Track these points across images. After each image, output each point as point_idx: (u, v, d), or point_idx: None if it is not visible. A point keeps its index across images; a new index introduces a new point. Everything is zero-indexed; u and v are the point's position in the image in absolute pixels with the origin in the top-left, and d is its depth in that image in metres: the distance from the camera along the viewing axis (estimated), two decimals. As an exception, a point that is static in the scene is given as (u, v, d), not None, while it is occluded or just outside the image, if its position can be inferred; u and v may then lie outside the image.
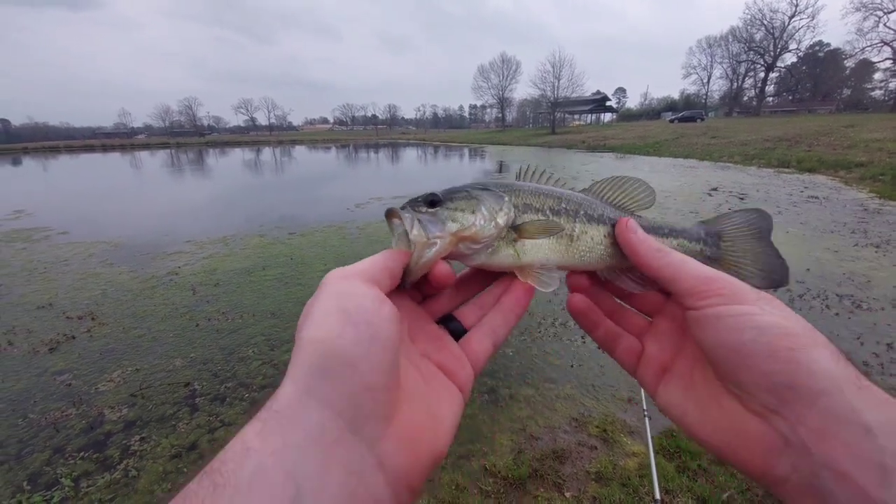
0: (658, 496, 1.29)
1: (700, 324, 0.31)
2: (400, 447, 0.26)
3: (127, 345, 3.89)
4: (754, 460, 0.28)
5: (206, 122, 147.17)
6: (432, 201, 0.35)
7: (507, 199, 0.37)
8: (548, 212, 0.38)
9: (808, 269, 5.44)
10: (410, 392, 0.30)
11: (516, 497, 2.25)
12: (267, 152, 42.45)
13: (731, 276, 0.32)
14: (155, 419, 2.90)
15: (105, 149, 56.49)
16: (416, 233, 0.33)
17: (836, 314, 4.25)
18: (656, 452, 1.95)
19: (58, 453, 2.61)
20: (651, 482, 1.60)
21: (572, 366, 3.44)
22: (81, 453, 2.61)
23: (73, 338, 4.03)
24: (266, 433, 0.22)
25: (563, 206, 0.39)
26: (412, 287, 0.35)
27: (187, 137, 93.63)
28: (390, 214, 0.35)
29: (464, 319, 0.38)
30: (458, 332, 0.38)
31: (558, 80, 60.35)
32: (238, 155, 38.86)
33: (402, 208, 0.35)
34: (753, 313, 0.29)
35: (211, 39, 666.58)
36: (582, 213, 0.39)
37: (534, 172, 0.42)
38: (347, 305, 0.28)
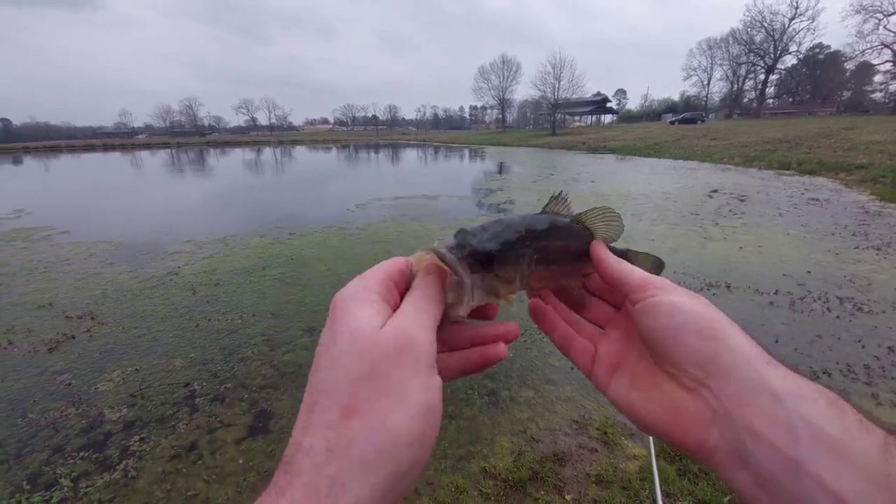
0: (660, 502, 1.28)
1: (642, 312, 0.36)
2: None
3: (127, 345, 3.88)
4: (690, 434, 0.31)
5: (206, 122, 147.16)
6: (486, 260, 0.35)
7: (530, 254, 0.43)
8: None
9: (809, 272, 5.44)
10: None
11: (516, 499, 2.25)
12: (267, 152, 42.47)
13: (666, 279, 0.38)
14: (154, 419, 2.89)
15: (106, 148, 56.52)
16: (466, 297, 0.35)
17: (837, 317, 4.24)
18: (657, 455, 1.94)
19: (57, 453, 2.61)
20: (653, 487, 1.60)
21: (573, 368, 3.42)
22: (81, 453, 2.60)
23: (73, 337, 4.03)
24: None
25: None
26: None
27: (188, 137, 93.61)
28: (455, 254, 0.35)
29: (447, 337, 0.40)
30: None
31: (559, 82, 60.35)
32: (238, 155, 38.88)
33: (451, 255, 0.34)
34: (684, 301, 0.34)
35: (211, 39, 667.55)
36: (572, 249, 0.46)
37: (563, 199, 0.48)
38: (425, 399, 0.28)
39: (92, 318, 4.42)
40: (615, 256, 0.43)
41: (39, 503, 2.25)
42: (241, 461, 2.52)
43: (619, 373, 0.40)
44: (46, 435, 2.76)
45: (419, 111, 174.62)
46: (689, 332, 0.32)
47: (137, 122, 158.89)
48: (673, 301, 0.35)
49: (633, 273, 0.39)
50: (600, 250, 0.44)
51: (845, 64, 62.66)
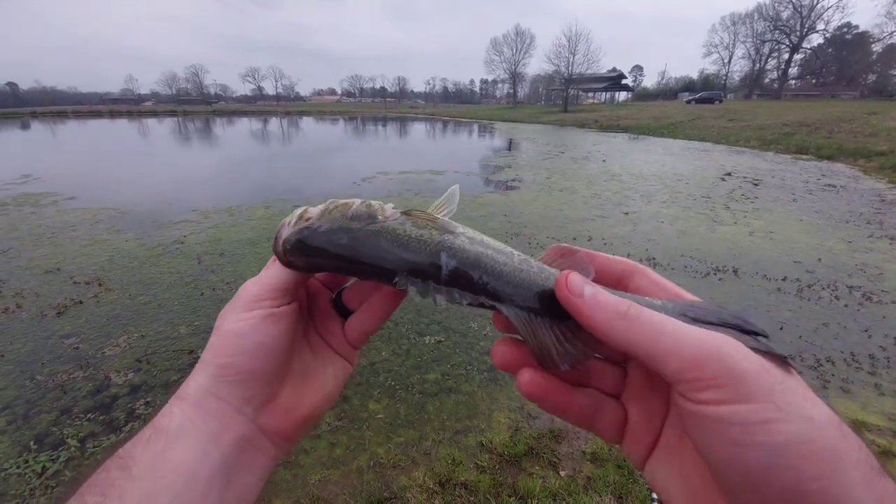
0: (655, 495, 1.27)
1: (695, 423, 0.24)
2: (275, 417, 0.34)
3: (133, 311, 3.93)
4: None
5: (212, 91, 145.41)
6: (296, 247, 0.37)
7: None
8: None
9: (820, 259, 5.34)
10: (296, 370, 0.37)
11: (511, 473, 2.28)
12: (274, 123, 42.00)
13: (730, 347, 0.24)
14: (160, 384, 2.95)
15: (112, 115, 56.16)
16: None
17: (845, 305, 4.18)
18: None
19: (64, 414, 2.68)
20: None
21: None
22: (88, 415, 2.67)
23: (81, 302, 4.08)
24: (184, 410, 0.31)
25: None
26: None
27: (194, 105, 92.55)
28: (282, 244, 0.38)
29: (348, 301, 0.41)
30: (344, 312, 0.41)
31: (573, 56, 58.63)
32: (245, 125, 38.50)
33: (281, 242, 0.38)
34: (768, 420, 0.22)
35: (216, 3, 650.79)
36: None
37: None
38: (241, 328, 0.34)
39: (99, 284, 4.47)
40: (614, 302, 0.27)
41: (46, 462, 2.33)
42: (242, 427, 2.57)
43: (657, 452, 0.31)
44: (54, 397, 2.83)
45: (428, 84, 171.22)
46: (776, 486, 0.21)
47: (143, 90, 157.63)
48: (750, 420, 0.22)
49: (663, 343, 0.25)
50: (571, 298, 0.29)
51: (872, 46, 60.10)
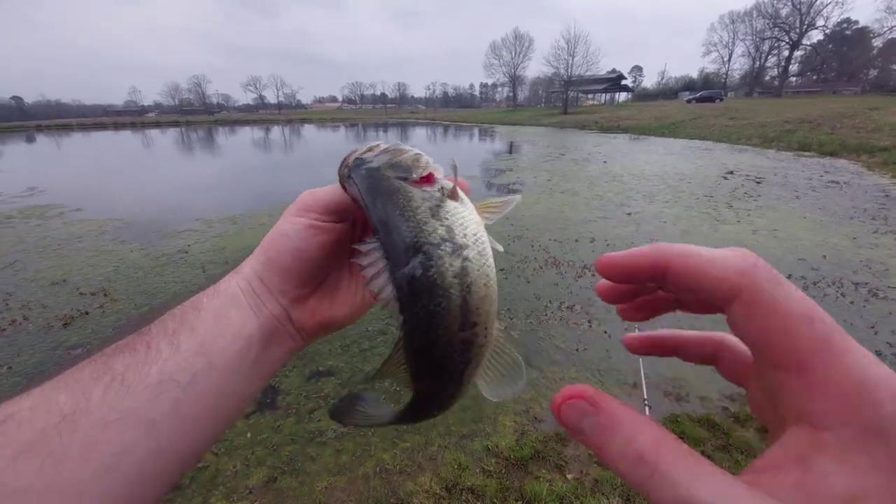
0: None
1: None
2: (303, 314, 0.39)
3: (138, 321, 3.96)
4: None
5: (215, 100, 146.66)
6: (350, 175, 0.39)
7: None
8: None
9: (825, 256, 5.32)
10: (331, 281, 0.42)
11: (518, 477, 2.28)
12: (276, 131, 42.29)
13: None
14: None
15: (116, 127, 56.70)
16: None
17: (851, 302, 4.16)
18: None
19: (73, 424, 2.69)
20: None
21: (577, 350, 3.43)
22: (95, 425, 2.68)
23: (87, 313, 4.12)
24: (238, 282, 0.37)
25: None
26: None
27: (197, 115, 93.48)
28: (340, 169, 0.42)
29: None
30: None
31: (572, 58, 58.73)
32: (247, 133, 38.78)
33: (340, 169, 0.41)
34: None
35: (218, 12, 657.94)
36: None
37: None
38: (286, 231, 0.38)
39: (105, 295, 4.50)
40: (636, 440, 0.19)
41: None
42: (248, 435, 2.58)
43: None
44: (62, 407, 2.85)
45: (428, 89, 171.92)
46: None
47: (147, 101, 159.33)
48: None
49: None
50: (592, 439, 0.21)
51: (873, 41, 59.96)
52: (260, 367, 0.35)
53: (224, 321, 0.33)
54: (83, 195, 9.97)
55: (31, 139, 37.22)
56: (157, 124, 60.50)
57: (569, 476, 2.28)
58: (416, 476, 2.30)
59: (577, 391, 0.21)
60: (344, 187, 0.38)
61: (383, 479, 2.28)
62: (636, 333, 0.31)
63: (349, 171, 0.36)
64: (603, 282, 0.29)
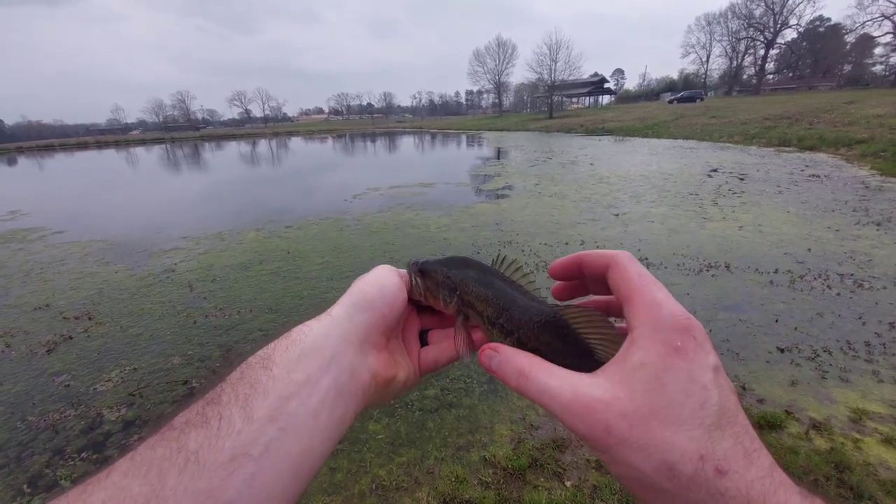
0: None
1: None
2: (378, 362, 0.40)
3: (124, 344, 3.87)
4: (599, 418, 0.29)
5: (200, 116, 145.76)
6: (420, 271, 0.46)
7: (457, 293, 0.43)
8: (485, 319, 0.42)
9: (809, 250, 5.40)
10: (393, 348, 0.44)
11: (517, 487, 2.25)
12: (263, 144, 42.10)
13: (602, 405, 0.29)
14: (154, 418, 2.89)
15: (100, 146, 56.04)
16: (413, 286, 0.46)
17: (838, 294, 4.22)
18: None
19: (57, 455, 2.61)
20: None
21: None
22: (81, 454, 2.61)
23: (71, 338, 4.02)
24: (320, 328, 0.37)
25: (500, 321, 0.40)
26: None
27: (182, 132, 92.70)
28: (411, 265, 0.48)
29: (430, 338, 0.49)
30: (423, 343, 0.50)
31: (555, 63, 59.57)
32: (234, 148, 38.54)
33: (409, 265, 0.47)
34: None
35: (194, 30, 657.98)
36: (516, 335, 0.39)
37: (509, 265, 0.43)
38: (382, 280, 0.43)
39: (89, 318, 4.40)
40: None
41: (40, 505, 2.26)
42: (240, 457, 2.52)
43: None
44: (46, 437, 2.76)
45: (415, 98, 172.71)
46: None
47: (130, 118, 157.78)
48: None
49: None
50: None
51: (846, 37, 61.74)
52: (333, 423, 0.33)
53: (296, 378, 0.32)
54: (66, 217, 9.80)
55: (12, 161, 36.59)
56: (141, 142, 59.92)
57: (567, 483, 2.26)
58: (413, 491, 2.26)
59: (489, 345, 0.37)
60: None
61: (380, 497, 2.24)
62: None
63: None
64: (557, 284, 0.42)
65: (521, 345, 0.37)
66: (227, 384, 0.31)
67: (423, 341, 0.49)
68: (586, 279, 0.39)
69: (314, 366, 0.33)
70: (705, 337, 0.29)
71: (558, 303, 0.39)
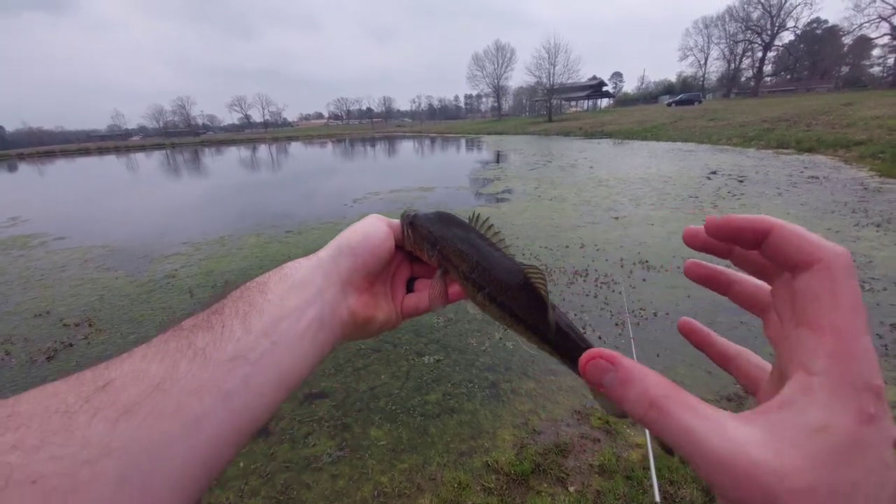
0: (658, 499, 1.26)
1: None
2: (358, 302, 0.43)
3: (125, 350, 3.85)
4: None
5: (200, 121, 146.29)
6: (411, 223, 0.48)
7: (437, 247, 0.45)
8: (460, 273, 0.44)
9: (810, 251, 5.40)
10: (377, 291, 0.47)
11: (520, 493, 2.24)
12: (263, 150, 42.19)
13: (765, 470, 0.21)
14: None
15: (101, 152, 56.17)
16: (405, 237, 0.48)
17: (839, 296, 4.21)
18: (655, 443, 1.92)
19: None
20: (650, 476, 1.58)
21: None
22: (81, 462, 2.59)
23: (71, 345, 4.01)
24: (310, 266, 0.41)
25: (473, 276, 0.42)
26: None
27: (182, 137, 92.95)
28: (403, 216, 0.50)
29: (416, 286, 0.52)
30: (409, 289, 0.52)
31: (554, 67, 59.86)
32: (234, 153, 38.64)
33: (402, 216, 0.49)
34: None
35: (195, 37, 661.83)
36: (486, 290, 0.41)
37: (483, 223, 0.46)
38: (368, 230, 0.45)
39: (90, 325, 4.40)
40: (655, 384, 0.25)
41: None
42: (241, 464, 2.51)
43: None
44: (46, 445, 2.75)
45: (414, 102, 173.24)
46: None
47: (131, 124, 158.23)
48: None
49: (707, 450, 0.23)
50: (615, 388, 0.27)
51: (843, 38, 62.00)
52: (315, 348, 0.38)
53: (288, 305, 0.37)
54: (66, 223, 9.81)
55: (12, 168, 36.68)
56: (141, 148, 60.04)
57: (571, 489, 2.25)
58: (415, 498, 2.25)
59: (598, 352, 0.27)
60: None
61: None
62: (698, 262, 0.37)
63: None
64: (696, 230, 0.32)
65: (490, 299, 0.40)
66: (229, 300, 0.36)
67: (411, 289, 0.52)
68: (762, 250, 0.28)
69: (302, 297, 0.38)
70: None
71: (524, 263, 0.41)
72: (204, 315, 0.34)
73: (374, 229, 0.46)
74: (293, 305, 0.37)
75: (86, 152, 56.53)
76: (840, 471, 0.20)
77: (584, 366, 0.27)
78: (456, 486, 2.28)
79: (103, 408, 0.25)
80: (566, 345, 0.37)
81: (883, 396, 0.21)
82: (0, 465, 0.21)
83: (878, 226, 6.28)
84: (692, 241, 0.33)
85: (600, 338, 3.63)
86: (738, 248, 0.32)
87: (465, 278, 0.43)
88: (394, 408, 2.95)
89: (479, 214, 0.46)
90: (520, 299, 0.39)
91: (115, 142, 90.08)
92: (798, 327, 0.24)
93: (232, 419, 0.30)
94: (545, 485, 2.27)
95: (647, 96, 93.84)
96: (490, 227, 0.45)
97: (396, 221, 0.49)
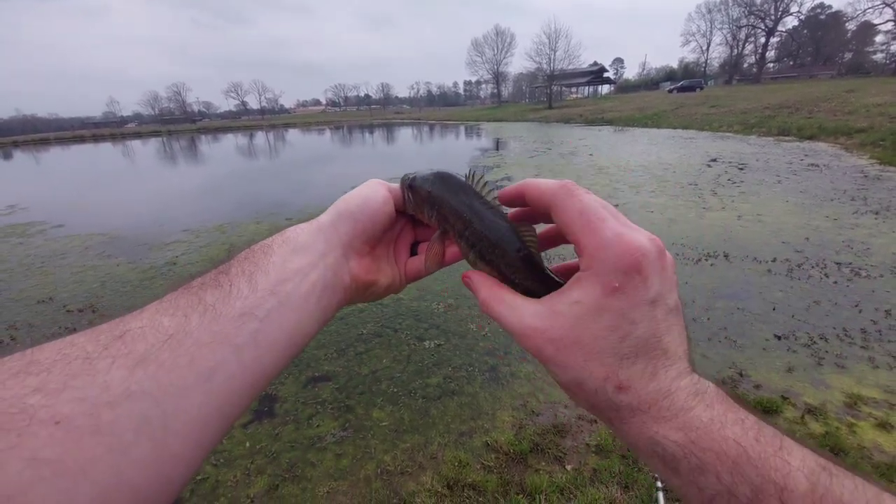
0: (660, 483, 1.28)
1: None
2: (360, 266, 0.44)
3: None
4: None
5: (196, 108, 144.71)
6: (410, 186, 0.48)
7: (436, 208, 0.46)
8: (456, 233, 0.45)
9: (808, 238, 5.43)
10: (378, 254, 0.48)
11: (518, 471, 2.30)
12: (260, 137, 41.85)
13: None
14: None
15: (96, 139, 55.60)
16: (406, 200, 0.48)
17: (835, 282, 4.26)
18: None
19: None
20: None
21: (572, 342, 3.46)
22: (90, 443, 2.65)
23: (76, 330, 4.00)
24: (311, 231, 0.42)
25: (467, 234, 0.43)
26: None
27: (178, 124, 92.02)
28: (403, 179, 0.50)
29: (420, 249, 0.53)
30: (414, 254, 0.53)
31: (554, 52, 59.14)
32: (231, 140, 38.32)
33: (402, 179, 0.50)
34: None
35: (188, 22, 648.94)
36: (478, 248, 0.43)
37: (478, 180, 0.46)
38: (367, 194, 0.46)
39: (93, 311, 4.43)
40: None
41: None
42: (247, 445, 2.57)
43: None
44: (55, 426, 2.80)
45: (412, 88, 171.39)
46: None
47: (126, 111, 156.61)
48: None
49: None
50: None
51: (846, 24, 61.27)
52: (319, 310, 0.39)
53: (291, 267, 0.38)
54: (65, 211, 9.78)
55: (7, 156, 36.36)
56: (137, 135, 59.46)
57: (568, 467, 2.31)
58: (417, 476, 2.31)
59: (465, 273, 0.42)
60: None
61: (385, 481, 2.29)
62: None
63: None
64: (511, 210, 0.44)
65: (481, 257, 0.42)
66: (235, 261, 0.37)
67: (415, 252, 0.53)
68: (535, 211, 0.41)
69: (305, 260, 0.39)
70: (656, 267, 0.31)
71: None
72: (212, 274, 0.35)
73: (373, 193, 0.46)
74: (296, 267, 0.38)
75: (81, 140, 55.97)
76: (583, 326, 0.31)
77: (462, 280, 0.42)
78: (456, 464, 2.34)
79: (121, 356, 0.26)
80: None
81: (640, 267, 0.30)
82: (23, 406, 0.21)
83: (876, 213, 6.30)
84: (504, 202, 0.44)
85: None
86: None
87: (459, 236, 0.44)
88: (395, 390, 3.00)
89: (474, 172, 0.46)
90: (508, 256, 0.40)
91: (110, 129, 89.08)
92: (574, 247, 0.35)
93: (243, 372, 0.31)
94: (543, 463, 2.34)
95: (649, 83, 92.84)
96: (485, 184, 0.46)
97: (397, 186, 0.49)
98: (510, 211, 0.44)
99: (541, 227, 0.43)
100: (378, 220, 0.45)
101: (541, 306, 0.34)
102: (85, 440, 0.22)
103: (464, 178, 0.47)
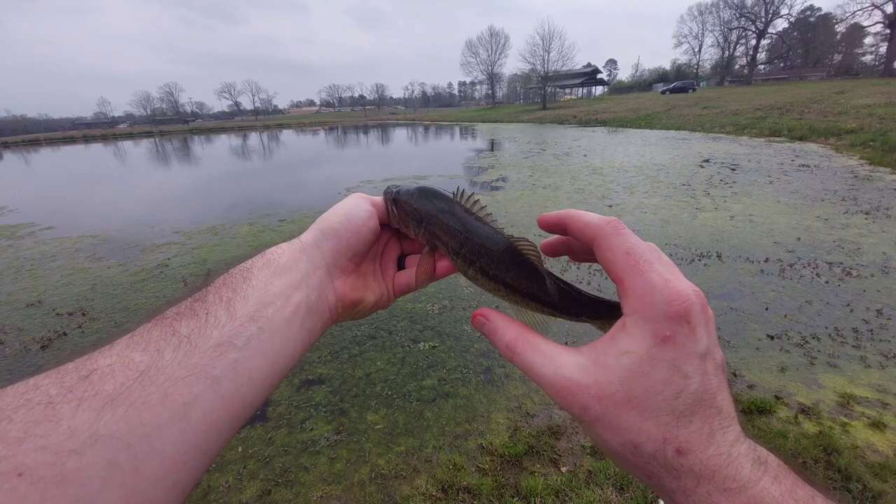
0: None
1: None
2: (345, 285, 0.43)
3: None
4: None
5: (188, 109, 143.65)
6: (395, 200, 0.47)
7: (424, 224, 0.45)
8: (449, 249, 0.44)
9: (799, 239, 5.48)
10: (364, 270, 0.46)
11: (513, 474, 2.29)
12: (253, 138, 41.59)
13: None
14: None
15: (87, 140, 54.99)
16: (390, 214, 0.47)
17: (826, 282, 4.29)
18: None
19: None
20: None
21: (567, 343, 3.44)
22: (79, 449, 2.60)
23: (65, 334, 3.99)
24: (292, 251, 0.40)
25: (463, 251, 0.42)
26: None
27: (171, 125, 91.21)
28: (386, 192, 0.49)
29: (407, 262, 0.52)
30: (401, 267, 0.52)
31: (548, 54, 59.34)
32: (224, 141, 38.06)
33: (385, 193, 0.49)
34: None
35: (178, 21, 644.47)
36: (478, 265, 0.42)
37: (468, 198, 0.45)
38: (350, 210, 0.44)
39: (83, 314, 4.37)
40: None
41: None
42: (240, 449, 2.54)
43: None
44: (43, 432, 2.75)
45: (407, 89, 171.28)
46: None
47: (117, 112, 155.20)
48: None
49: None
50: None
51: (836, 26, 62.04)
52: (303, 333, 0.38)
53: (272, 290, 0.36)
54: (55, 212, 9.66)
55: (-4, 156, 35.86)
56: (129, 135, 58.87)
57: (563, 469, 2.30)
58: (411, 479, 2.29)
59: (480, 311, 0.39)
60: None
61: (379, 485, 2.27)
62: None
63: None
64: (546, 239, 0.43)
65: (483, 273, 0.41)
66: (212, 287, 0.35)
67: (402, 265, 0.51)
68: (573, 242, 0.39)
69: (287, 282, 0.37)
70: (701, 319, 0.29)
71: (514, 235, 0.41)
72: (187, 303, 0.33)
73: (356, 209, 0.44)
74: (278, 290, 0.36)
75: (71, 140, 55.34)
76: (635, 381, 0.28)
77: (473, 321, 0.39)
78: (451, 467, 2.33)
79: (87, 398, 0.24)
80: (570, 302, 0.40)
81: (688, 317, 0.28)
82: None
83: (866, 213, 6.37)
84: (546, 247, 0.43)
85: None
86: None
87: (455, 254, 0.43)
88: (390, 393, 2.98)
89: (463, 190, 0.45)
90: (512, 271, 0.40)
91: (101, 130, 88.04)
92: (617, 289, 0.32)
93: (222, 405, 0.29)
94: (538, 465, 2.33)
95: (642, 84, 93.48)
96: (476, 202, 0.44)
97: (380, 199, 0.48)
98: (549, 238, 0.42)
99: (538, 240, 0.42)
100: (362, 237, 0.44)
101: (582, 357, 0.31)
102: (49, 492, 0.21)
103: (450, 194, 0.46)
